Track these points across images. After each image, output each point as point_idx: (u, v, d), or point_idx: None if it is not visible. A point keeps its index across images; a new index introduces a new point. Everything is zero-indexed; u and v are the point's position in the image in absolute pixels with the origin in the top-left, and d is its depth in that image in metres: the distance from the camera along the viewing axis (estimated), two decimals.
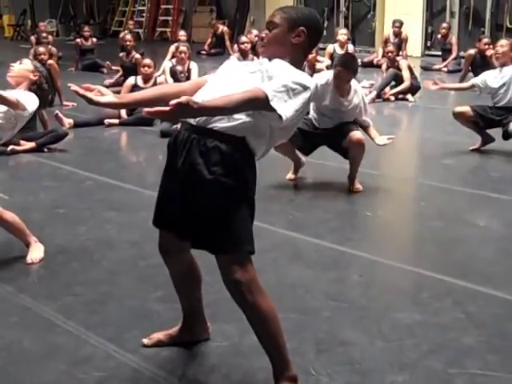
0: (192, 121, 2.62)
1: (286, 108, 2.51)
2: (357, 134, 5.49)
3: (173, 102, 2.28)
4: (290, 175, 5.94)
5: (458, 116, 7.07)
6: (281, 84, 2.53)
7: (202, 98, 2.56)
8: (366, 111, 5.73)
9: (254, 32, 13.09)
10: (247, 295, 2.60)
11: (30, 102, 4.27)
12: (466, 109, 7.03)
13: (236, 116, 2.54)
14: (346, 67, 5.51)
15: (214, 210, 2.58)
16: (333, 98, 5.58)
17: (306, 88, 2.58)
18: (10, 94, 4.13)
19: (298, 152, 5.85)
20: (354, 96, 5.59)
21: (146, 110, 2.34)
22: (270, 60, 2.69)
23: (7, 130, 4.25)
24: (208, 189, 2.56)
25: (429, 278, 3.98)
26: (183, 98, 2.29)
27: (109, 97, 2.66)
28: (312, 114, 5.75)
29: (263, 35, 2.84)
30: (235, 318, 3.32)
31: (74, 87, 2.64)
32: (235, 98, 2.46)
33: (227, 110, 2.48)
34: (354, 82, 5.66)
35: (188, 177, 2.60)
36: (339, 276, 4.04)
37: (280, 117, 2.49)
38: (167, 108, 2.28)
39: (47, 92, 4.58)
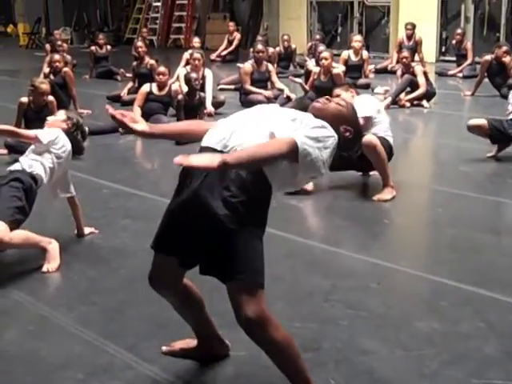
0: (214, 146, 2.61)
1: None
2: (368, 137, 5.53)
3: (210, 165, 2.31)
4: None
5: (473, 129, 6.93)
6: (313, 136, 2.60)
7: (236, 138, 2.59)
8: None
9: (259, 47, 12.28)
10: (261, 332, 2.55)
11: (50, 135, 4.57)
12: (482, 122, 6.89)
13: (254, 139, 2.56)
14: None
15: (228, 234, 2.54)
16: None
17: (335, 147, 2.68)
18: (27, 131, 4.69)
19: None
20: None
21: (181, 162, 2.31)
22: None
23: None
24: (223, 211, 2.53)
25: (447, 286, 3.95)
26: (215, 164, 2.30)
27: (142, 125, 2.70)
28: None
29: (330, 98, 2.91)
30: None
31: (111, 110, 2.65)
32: (260, 153, 2.49)
33: (252, 163, 2.49)
34: None
35: (203, 199, 2.56)
36: (357, 284, 4.01)
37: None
38: (204, 166, 2.32)
39: (78, 141, 4.93)
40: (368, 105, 5.69)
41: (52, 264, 4.25)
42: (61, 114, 4.94)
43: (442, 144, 8.06)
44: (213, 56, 16.38)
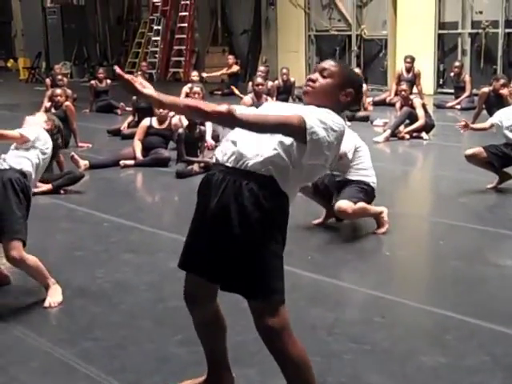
0: (226, 163, 2.66)
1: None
2: (341, 204, 5.40)
3: (219, 108, 2.39)
4: (318, 220, 5.85)
5: (471, 158, 6.97)
6: (321, 119, 2.60)
7: (245, 149, 2.64)
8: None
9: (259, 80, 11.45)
10: (278, 342, 2.61)
11: (34, 132, 4.45)
12: (479, 150, 6.94)
13: (264, 153, 2.58)
14: None
15: (247, 253, 2.59)
16: None
17: (341, 133, 2.69)
18: (11, 131, 4.44)
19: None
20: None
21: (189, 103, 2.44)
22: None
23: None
24: (241, 230, 2.58)
25: (452, 319, 3.93)
26: (224, 109, 2.38)
27: (150, 90, 2.60)
28: None
29: (313, 77, 2.84)
30: (258, 362, 3.30)
31: (118, 70, 2.58)
32: (271, 118, 2.55)
33: (260, 126, 2.53)
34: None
35: (221, 217, 2.61)
36: (361, 317, 3.99)
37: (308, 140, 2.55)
38: (212, 110, 2.41)
39: (58, 142, 4.75)
40: (345, 141, 5.60)
41: (54, 298, 4.23)
42: (41, 115, 4.86)
43: (441, 176, 8.08)
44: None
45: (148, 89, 2.59)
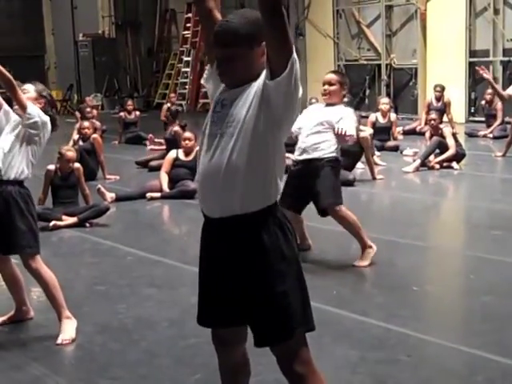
0: (207, 213, 2.58)
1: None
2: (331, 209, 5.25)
3: None
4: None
5: None
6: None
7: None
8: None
9: None
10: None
11: (39, 116, 4.17)
12: None
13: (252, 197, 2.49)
14: None
15: (261, 288, 2.51)
16: None
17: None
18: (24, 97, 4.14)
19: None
20: None
21: None
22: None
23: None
24: (250, 264, 2.52)
25: (482, 358, 3.77)
26: None
27: None
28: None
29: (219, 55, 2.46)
30: None
31: None
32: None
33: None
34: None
35: (230, 259, 2.54)
36: (386, 356, 3.85)
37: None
38: None
39: (55, 119, 4.45)
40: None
41: (67, 335, 4.15)
42: (30, 90, 4.31)
43: (473, 207, 7.91)
44: None
45: None
